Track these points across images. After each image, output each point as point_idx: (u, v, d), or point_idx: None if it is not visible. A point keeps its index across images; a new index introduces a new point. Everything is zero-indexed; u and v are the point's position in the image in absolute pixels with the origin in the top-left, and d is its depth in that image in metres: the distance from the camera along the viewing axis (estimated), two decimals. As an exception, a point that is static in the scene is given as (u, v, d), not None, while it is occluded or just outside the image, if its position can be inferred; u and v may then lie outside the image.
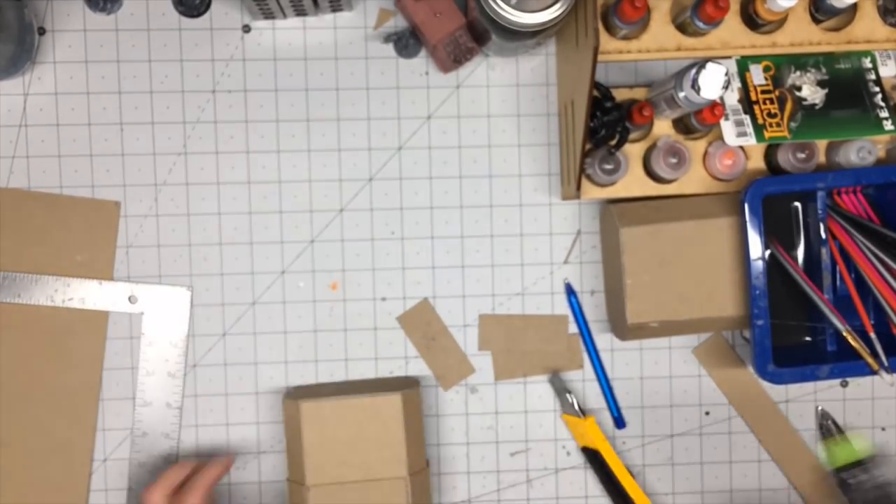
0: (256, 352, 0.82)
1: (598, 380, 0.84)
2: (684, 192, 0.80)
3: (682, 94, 0.72)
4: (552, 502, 0.84)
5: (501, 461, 0.84)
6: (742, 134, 0.77)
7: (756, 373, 0.77)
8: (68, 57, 0.80)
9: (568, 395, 0.82)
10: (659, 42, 0.76)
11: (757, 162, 0.80)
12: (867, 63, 0.79)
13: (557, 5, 0.69)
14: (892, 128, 0.78)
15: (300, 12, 0.80)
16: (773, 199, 0.77)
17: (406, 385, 0.80)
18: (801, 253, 0.81)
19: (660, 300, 0.77)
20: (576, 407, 0.81)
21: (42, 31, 0.80)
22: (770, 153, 0.80)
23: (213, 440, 0.82)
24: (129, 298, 0.81)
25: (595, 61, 0.68)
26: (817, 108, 0.78)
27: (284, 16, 0.80)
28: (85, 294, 0.80)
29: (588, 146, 0.78)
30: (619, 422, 0.84)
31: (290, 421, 0.78)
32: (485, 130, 0.83)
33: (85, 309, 0.80)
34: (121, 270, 0.81)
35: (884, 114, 0.78)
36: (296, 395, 0.79)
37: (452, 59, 0.80)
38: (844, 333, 0.77)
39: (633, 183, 0.80)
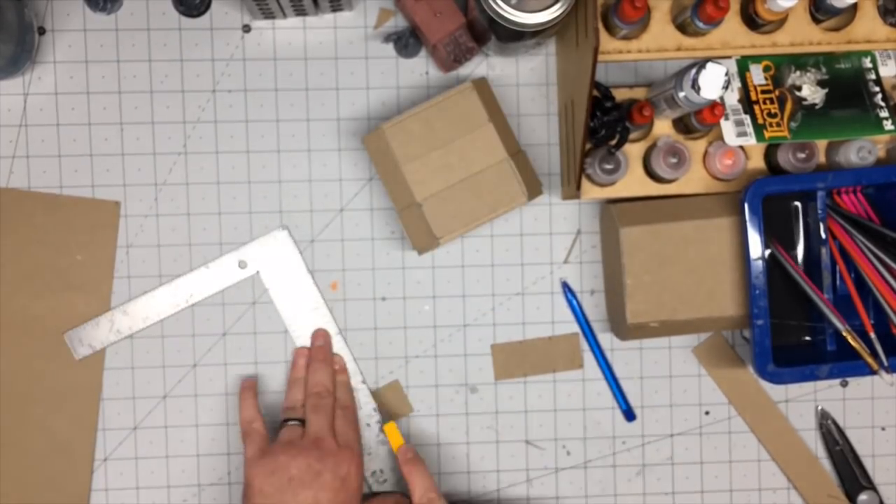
0: (256, 351, 0.82)
1: (603, 372, 0.84)
2: (684, 192, 0.80)
3: (682, 94, 0.72)
4: (552, 502, 0.84)
5: (501, 461, 0.84)
6: (742, 134, 0.77)
7: (756, 373, 0.77)
8: (68, 57, 0.80)
9: None
10: (659, 42, 0.76)
11: (757, 162, 0.80)
12: (867, 63, 0.79)
13: (557, 5, 0.69)
14: (892, 128, 0.78)
15: (300, 12, 0.80)
16: (773, 198, 0.77)
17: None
18: (801, 253, 0.81)
19: (660, 300, 0.77)
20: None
21: (42, 31, 0.80)
22: (770, 153, 0.80)
23: (214, 438, 0.82)
24: (239, 264, 0.81)
25: (595, 61, 0.68)
26: (817, 107, 0.78)
27: (284, 15, 0.80)
28: (194, 286, 0.82)
29: (588, 146, 0.78)
30: (629, 415, 0.84)
31: (378, 152, 0.77)
32: (485, 130, 0.83)
33: (89, 300, 0.80)
34: (121, 270, 0.81)
35: (884, 114, 0.78)
36: (378, 126, 0.78)
37: (452, 58, 0.80)
38: (844, 333, 0.77)
39: (633, 183, 0.80)
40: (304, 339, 0.82)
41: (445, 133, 0.76)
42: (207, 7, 0.81)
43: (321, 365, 0.80)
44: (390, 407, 0.83)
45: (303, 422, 0.77)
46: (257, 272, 0.82)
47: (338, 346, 0.82)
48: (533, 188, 0.78)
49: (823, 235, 0.79)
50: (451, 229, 0.76)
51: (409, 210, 0.77)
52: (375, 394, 0.82)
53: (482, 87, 0.78)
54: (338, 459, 0.74)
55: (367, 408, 0.82)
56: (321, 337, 0.82)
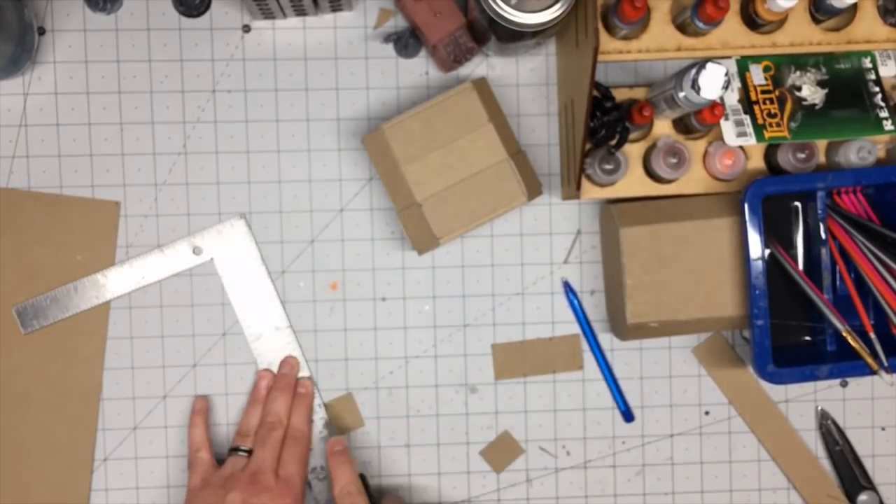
0: (255, 352, 0.82)
1: (602, 372, 0.84)
2: (684, 192, 0.80)
3: (682, 94, 0.72)
4: (552, 502, 0.84)
5: (501, 461, 0.84)
6: (742, 134, 0.77)
7: (756, 373, 0.77)
8: (68, 57, 0.80)
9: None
10: (659, 42, 0.76)
11: (757, 162, 0.80)
12: (867, 63, 0.79)
13: (557, 5, 0.69)
14: (892, 128, 0.78)
15: (300, 12, 0.80)
16: (773, 199, 0.77)
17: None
18: (800, 253, 0.81)
19: (660, 300, 0.77)
20: None
21: (42, 31, 0.80)
22: (770, 153, 0.80)
23: (216, 438, 0.82)
24: (194, 250, 0.81)
25: (595, 61, 0.68)
26: (817, 108, 0.78)
27: (284, 15, 0.80)
28: (148, 268, 0.81)
29: (588, 146, 0.78)
30: (628, 416, 0.84)
31: (378, 152, 0.78)
32: (485, 130, 0.83)
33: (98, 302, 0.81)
34: (121, 270, 0.81)
35: (884, 114, 0.78)
36: (378, 126, 0.78)
37: (452, 58, 0.80)
38: (844, 333, 0.77)
39: (633, 183, 0.80)
40: (254, 332, 0.82)
41: (445, 133, 0.76)
42: (207, 7, 0.81)
43: (280, 394, 0.80)
44: (340, 420, 0.83)
45: (250, 452, 0.77)
46: (211, 259, 0.81)
47: (292, 348, 0.82)
48: (533, 188, 0.78)
49: (823, 235, 0.79)
50: (452, 229, 0.76)
51: (408, 210, 0.77)
52: (328, 405, 0.83)
53: (482, 87, 0.78)
54: (274, 495, 0.74)
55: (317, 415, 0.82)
56: (287, 365, 0.81)
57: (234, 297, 0.81)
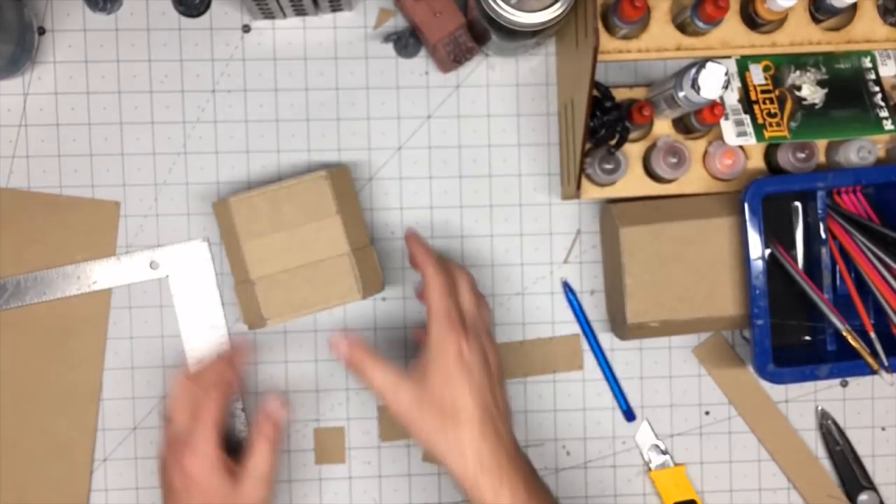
0: (256, 351, 0.82)
1: (603, 372, 0.84)
2: (684, 191, 0.80)
3: (681, 94, 0.72)
4: (552, 502, 0.84)
5: (501, 461, 0.84)
6: (742, 133, 0.77)
7: (756, 373, 0.77)
8: (68, 57, 0.80)
9: (659, 444, 0.83)
10: (659, 42, 0.76)
11: (757, 161, 0.80)
12: (867, 63, 0.79)
13: (557, 5, 0.69)
14: (892, 127, 0.78)
15: (300, 12, 0.80)
16: (773, 198, 0.77)
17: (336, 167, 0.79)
18: (801, 253, 0.81)
19: (660, 300, 0.77)
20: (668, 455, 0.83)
21: (42, 31, 0.80)
22: (770, 153, 0.80)
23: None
24: (151, 265, 0.81)
25: (595, 61, 0.68)
26: (817, 107, 0.78)
27: (284, 15, 0.80)
28: (101, 274, 0.81)
29: (588, 146, 0.78)
30: (629, 415, 0.84)
31: (224, 222, 0.77)
32: (485, 130, 0.83)
33: (89, 299, 0.80)
34: (121, 270, 0.81)
35: (884, 113, 0.78)
36: (225, 198, 0.77)
37: (452, 58, 0.80)
38: (844, 333, 0.77)
39: (633, 183, 0.80)
40: (195, 353, 0.81)
41: (292, 217, 0.75)
42: (207, 7, 0.81)
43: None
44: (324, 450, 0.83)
45: None
46: (167, 276, 0.81)
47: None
48: (371, 286, 0.77)
49: (823, 235, 0.79)
50: (280, 313, 0.76)
51: (243, 285, 0.77)
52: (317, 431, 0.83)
53: (340, 177, 0.77)
54: None
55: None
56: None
57: (182, 319, 0.81)
